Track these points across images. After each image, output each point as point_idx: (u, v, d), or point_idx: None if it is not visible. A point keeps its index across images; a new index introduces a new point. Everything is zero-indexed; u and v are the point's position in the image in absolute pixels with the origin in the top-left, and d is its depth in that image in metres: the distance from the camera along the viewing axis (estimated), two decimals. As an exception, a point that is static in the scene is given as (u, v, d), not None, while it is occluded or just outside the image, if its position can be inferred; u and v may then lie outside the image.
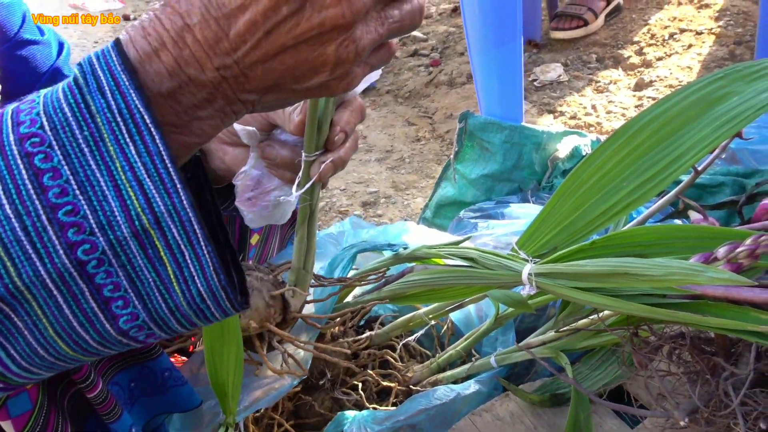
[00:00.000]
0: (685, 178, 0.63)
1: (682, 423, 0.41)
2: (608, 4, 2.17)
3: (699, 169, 0.60)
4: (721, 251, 0.41)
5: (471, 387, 0.64)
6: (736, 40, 1.95)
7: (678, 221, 0.81)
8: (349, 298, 0.78)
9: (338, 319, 0.88)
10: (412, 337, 0.81)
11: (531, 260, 0.52)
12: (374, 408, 0.76)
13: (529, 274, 0.49)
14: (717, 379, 0.41)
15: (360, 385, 0.78)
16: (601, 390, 0.61)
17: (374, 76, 0.47)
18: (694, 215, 0.60)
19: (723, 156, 1.21)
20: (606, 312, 0.57)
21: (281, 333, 0.61)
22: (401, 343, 0.85)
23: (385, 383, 0.80)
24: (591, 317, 0.58)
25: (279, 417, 0.79)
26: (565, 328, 0.61)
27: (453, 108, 1.94)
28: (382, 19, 0.32)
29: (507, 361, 0.69)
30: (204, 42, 0.29)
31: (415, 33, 2.49)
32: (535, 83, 1.97)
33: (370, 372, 0.80)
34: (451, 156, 1.07)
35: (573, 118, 1.76)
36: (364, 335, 0.86)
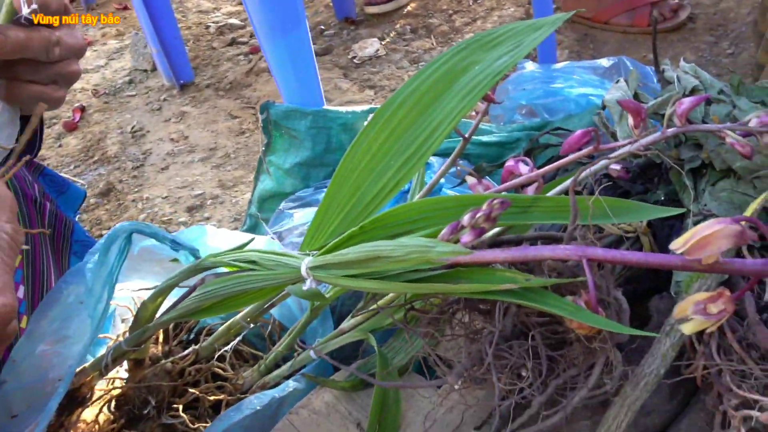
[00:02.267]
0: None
1: (455, 386, 0.43)
2: (413, -25, 2.23)
3: (466, 135, 0.63)
4: (465, 219, 0.42)
5: (289, 386, 0.62)
6: (530, 0, 2.09)
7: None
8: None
9: (156, 338, 0.83)
10: (232, 344, 0.79)
11: (309, 254, 0.51)
12: (204, 427, 0.72)
13: (307, 269, 0.49)
14: (480, 339, 0.43)
15: (181, 407, 0.74)
16: (412, 359, 0.62)
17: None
18: (470, 179, 0.62)
19: (523, 111, 1.30)
20: (391, 294, 0.58)
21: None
22: (225, 350, 0.82)
23: (213, 398, 0.76)
24: (382, 300, 0.59)
25: (99, 460, 0.73)
26: (368, 311, 0.62)
27: (276, 95, 1.90)
28: None
29: (326, 350, 0.68)
30: None
31: (232, 20, 2.40)
32: (354, 60, 1.98)
33: (194, 390, 0.76)
34: (262, 149, 1.04)
35: (392, 90, 1.80)
36: (188, 350, 0.82)
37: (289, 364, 0.73)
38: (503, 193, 0.48)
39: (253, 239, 0.61)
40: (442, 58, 0.54)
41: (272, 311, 0.83)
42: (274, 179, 1.07)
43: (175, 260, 0.72)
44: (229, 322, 0.78)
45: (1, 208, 0.42)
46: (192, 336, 0.91)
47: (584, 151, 0.42)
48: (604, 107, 0.68)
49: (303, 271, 0.49)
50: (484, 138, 1.08)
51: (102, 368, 0.69)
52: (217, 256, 0.56)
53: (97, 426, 0.77)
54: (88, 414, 0.77)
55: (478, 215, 0.41)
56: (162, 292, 0.65)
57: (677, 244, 0.33)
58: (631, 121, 0.41)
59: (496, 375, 0.39)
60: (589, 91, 1.00)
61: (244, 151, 1.58)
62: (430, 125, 0.52)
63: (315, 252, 0.51)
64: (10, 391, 0.64)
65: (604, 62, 1.11)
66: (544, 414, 0.42)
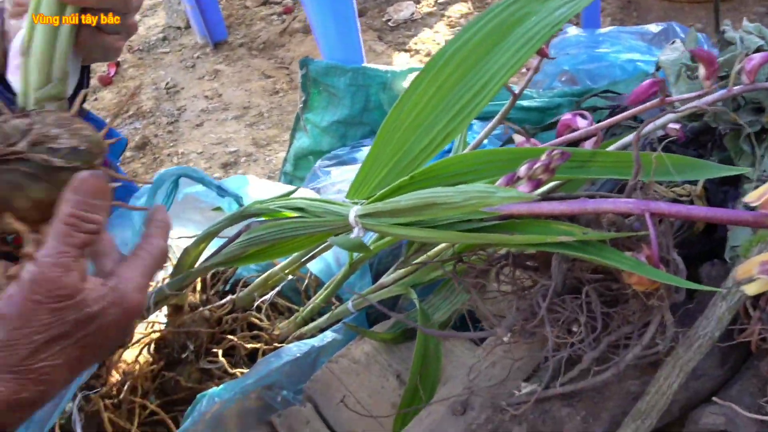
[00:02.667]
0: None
1: (505, 338, 0.43)
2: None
3: (516, 92, 0.61)
4: (522, 170, 0.42)
5: (327, 337, 0.63)
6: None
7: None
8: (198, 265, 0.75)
9: (194, 287, 0.85)
10: (269, 295, 0.79)
11: (358, 203, 0.51)
12: (241, 373, 0.74)
13: (356, 217, 0.48)
14: (532, 293, 0.43)
15: (220, 353, 0.75)
16: (451, 317, 0.63)
17: None
18: (517, 138, 0.61)
19: (563, 78, 1.27)
20: (442, 245, 0.58)
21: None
22: (261, 301, 0.83)
23: (250, 346, 0.78)
24: (431, 251, 0.59)
25: (140, 399, 0.75)
26: (411, 264, 0.62)
27: (310, 55, 1.88)
28: None
29: (364, 304, 0.69)
30: None
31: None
32: (389, 23, 1.95)
33: (233, 337, 0.78)
34: (299, 106, 1.03)
35: (428, 55, 1.77)
36: (225, 300, 0.83)
37: (326, 316, 0.73)
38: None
39: (297, 188, 0.61)
40: (494, 9, 0.52)
41: (309, 265, 0.83)
42: (311, 137, 1.07)
43: (218, 209, 0.73)
44: (267, 273, 0.79)
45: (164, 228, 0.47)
46: (228, 287, 0.92)
47: (650, 103, 0.41)
48: (658, 68, 0.65)
49: (351, 219, 0.49)
50: (525, 103, 1.06)
51: (144, 311, 0.71)
52: (264, 203, 0.56)
53: (137, 366, 0.79)
54: (129, 355, 0.79)
55: (536, 166, 0.41)
56: (205, 238, 0.66)
57: (753, 197, 0.32)
58: (702, 71, 0.39)
59: (549, 328, 0.39)
60: (636, 57, 0.97)
61: (278, 110, 1.58)
62: (481, 79, 0.51)
63: (363, 201, 0.51)
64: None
65: (653, 28, 1.08)
66: (595, 370, 0.42)
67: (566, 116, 0.47)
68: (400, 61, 1.71)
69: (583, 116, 0.45)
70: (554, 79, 1.22)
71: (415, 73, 1.05)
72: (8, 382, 0.33)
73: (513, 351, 0.48)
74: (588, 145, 0.46)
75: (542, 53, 0.53)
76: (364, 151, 0.94)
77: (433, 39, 1.83)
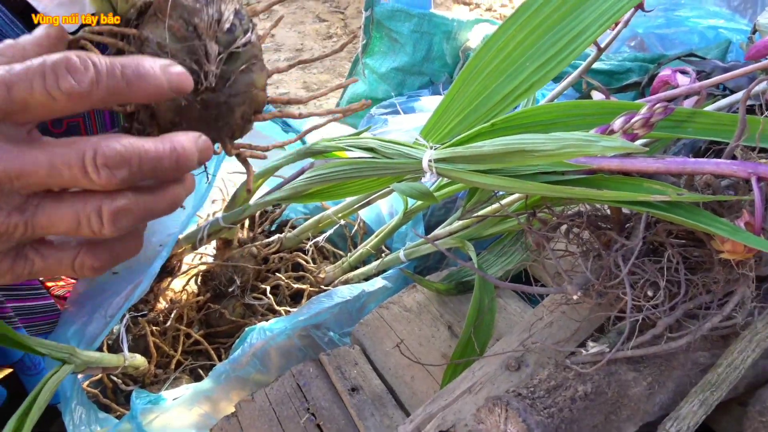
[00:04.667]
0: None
1: (575, 297, 0.41)
2: None
3: (602, 46, 0.58)
4: (617, 123, 0.39)
5: (377, 283, 0.63)
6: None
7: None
8: (251, 202, 0.74)
9: (245, 223, 0.85)
10: (321, 237, 0.79)
11: (432, 147, 0.49)
12: (286, 311, 0.74)
13: (430, 161, 0.47)
14: (610, 253, 0.41)
15: (267, 289, 0.76)
16: (505, 275, 0.61)
17: None
18: (596, 95, 0.58)
19: (632, 43, 1.21)
20: (509, 198, 0.56)
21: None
22: (312, 245, 0.83)
23: (296, 286, 0.78)
24: (495, 205, 0.57)
25: (185, 328, 0.76)
26: (471, 217, 0.60)
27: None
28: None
29: (415, 254, 0.68)
30: None
31: None
32: (450, -26, 1.89)
33: (280, 276, 0.78)
34: (359, 49, 1.01)
35: (489, 10, 1.71)
36: (273, 238, 0.84)
37: (375, 263, 0.73)
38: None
39: (368, 128, 0.59)
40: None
41: (360, 213, 0.83)
42: (368, 83, 1.05)
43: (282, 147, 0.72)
44: (318, 216, 0.78)
45: None
46: (274, 227, 0.92)
47: (766, 62, 0.38)
48: (754, 31, 0.61)
49: (424, 164, 0.47)
50: (594, 65, 1.02)
51: (196, 241, 0.71)
52: (332, 141, 0.55)
53: (184, 295, 0.80)
54: (177, 284, 0.81)
55: (634, 119, 0.38)
56: (265, 174, 0.65)
57: None
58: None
59: (629, 289, 0.38)
60: (720, 24, 0.91)
61: (331, 55, 1.55)
62: (578, 26, 0.48)
63: (437, 146, 0.49)
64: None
65: (738, -6, 1.01)
66: (668, 336, 0.40)
67: (665, 72, 0.44)
68: (460, 13, 1.66)
69: (684, 72, 0.43)
70: (622, 43, 1.16)
71: (482, 25, 1.01)
72: None
73: (574, 312, 0.47)
74: (686, 103, 0.43)
75: (640, 6, 0.49)
76: (422, 101, 0.91)
77: (493, -6, 1.77)
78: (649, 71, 0.89)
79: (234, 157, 0.44)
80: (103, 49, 0.38)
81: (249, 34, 0.38)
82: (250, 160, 0.44)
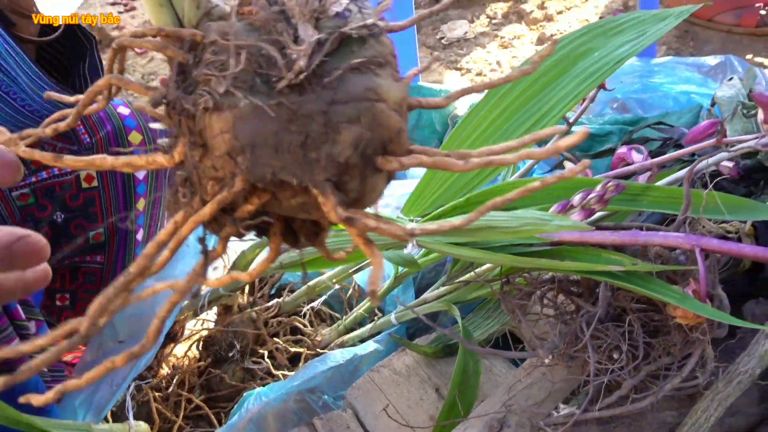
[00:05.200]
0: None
1: (546, 361, 0.44)
2: (510, -41, 2.19)
3: (570, 121, 0.63)
4: (576, 199, 0.43)
5: (369, 346, 0.65)
6: (630, -8, 2.02)
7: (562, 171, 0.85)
8: (251, 268, 0.78)
9: (242, 289, 0.88)
10: (317, 302, 0.82)
11: (414, 220, 0.53)
12: (284, 375, 0.77)
13: (410, 233, 0.51)
14: (575, 319, 0.44)
15: (266, 353, 0.78)
16: (489, 337, 0.64)
17: None
18: (569, 165, 0.63)
19: (614, 106, 1.27)
20: (486, 265, 0.60)
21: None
22: (308, 308, 0.86)
23: (294, 349, 0.81)
24: (477, 270, 0.61)
25: (186, 393, 0.78)
26: (455, 282, 0.64)
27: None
28: None
29: (406, 317, 0.71)
30: None
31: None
32: (442, 41, 1.98)
33: (278, 340, 0.81)
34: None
35: (479, 75, 1.79)
36: (272, 303, 0.87)
37: (368, 326, 0.76)
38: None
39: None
40: (562, 40, 0.54)
41: (354, 276, 0.86)
42: (362, 150, 1.10)
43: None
44: (315, 281, 0.82)
45: None
46: (273, 291, 0.96)
47: (706, 143, 0.42)
48: (713, 104, 0.66)
49: (405, 236, 0.51)
50: (574, 128, 1.07)
51: (197, 309, 0.75)
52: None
53: (186, 361, 0.83)
54: (179, 350, 0.83)
55: (590, 196, 0.42)
56: (261, 244, 0.69)
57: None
58: (761, 115, 0.40)
59: (592, 354, 0.41)
60: (691, 89, 0.97)
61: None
62: (544, 106, 0.53)
63: (418, 219, 0.53)
64: (117, 319, 0.70)
65: (710, 60, 1.07)
66: (633, 397, 0.43)
67: (621, 149, 0.48)
68: (451, 79, 1.74)
69: (638, 150, 0.47)
70: (605, 106, 1.22)
71: (469, 95, 1.07)
72: None
73: (551, 374, 0.49)
74: (641, 178, 0.47)
75: (601, 86, 0.54)
76: (411, 169, 0.96)
77: (485, 59, 1.85)
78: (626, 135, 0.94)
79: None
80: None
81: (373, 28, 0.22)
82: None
